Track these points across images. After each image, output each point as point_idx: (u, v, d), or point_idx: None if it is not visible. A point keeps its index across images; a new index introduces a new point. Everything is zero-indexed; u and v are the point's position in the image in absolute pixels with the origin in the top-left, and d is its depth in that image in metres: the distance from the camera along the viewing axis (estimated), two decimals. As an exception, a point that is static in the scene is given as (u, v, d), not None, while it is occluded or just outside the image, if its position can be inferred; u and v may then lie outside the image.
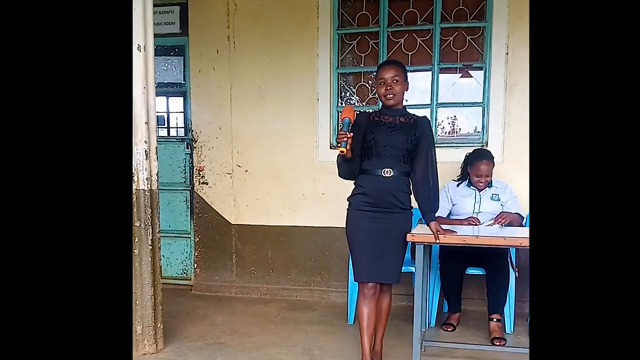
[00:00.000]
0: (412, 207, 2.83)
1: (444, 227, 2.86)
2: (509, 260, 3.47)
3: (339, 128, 2.64)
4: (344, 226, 2.86)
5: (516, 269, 3.48)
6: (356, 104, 4.44)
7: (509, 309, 3.51)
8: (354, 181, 2.84)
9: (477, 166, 3.55)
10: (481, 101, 4.08)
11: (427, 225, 2.79)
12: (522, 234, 2.95)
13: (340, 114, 2.75)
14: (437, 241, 2.76)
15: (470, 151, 3.70)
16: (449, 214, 3.63)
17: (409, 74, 4.05)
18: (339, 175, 2.84)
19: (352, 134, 2.60)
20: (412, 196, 2.83)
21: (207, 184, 4.58)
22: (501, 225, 3.33)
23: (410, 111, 2.89)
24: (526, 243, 2.80)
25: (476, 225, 3.37)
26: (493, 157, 3.60)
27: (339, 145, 2.60)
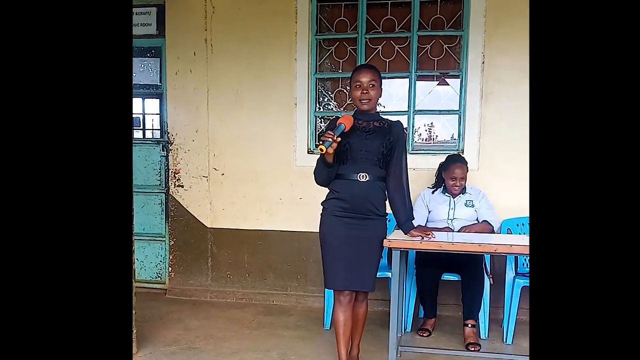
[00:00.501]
0: (387, 213, 2.84)
1: (438, 232, 2.90)
2: (483, 267, 3.52)
3: (332, 129, 2.62)
4: (319, 231, 2.86)
5: (490, 276, 3.53)
6: (334, 109, 4.46)
7: (483, 315, 3.55)
8: (328, 187, 2.84)
9: (451, 170, 3.60)
10: (457, 109, 4.13)
11: (407, 234, 2.81)
12: (496, 240, 2.99)
13: (338, 119, 2.74)
14: (429, 237, 2.80)
15: (444, 159, 3.76)
16: (427, 221, 3.66)
17: (386, 80, 4.11)
18: (316, 182, 2.83)
19: (339, 139, 2.59)
20: (386, 202, 2.84)
21: (182, 186, 4.54)
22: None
23: (384, 117, 2.90)
24: (500, 250, 2.85)
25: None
26: (466, 162, 3.66)
27: (321, 142, 2.59)
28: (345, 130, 2.66)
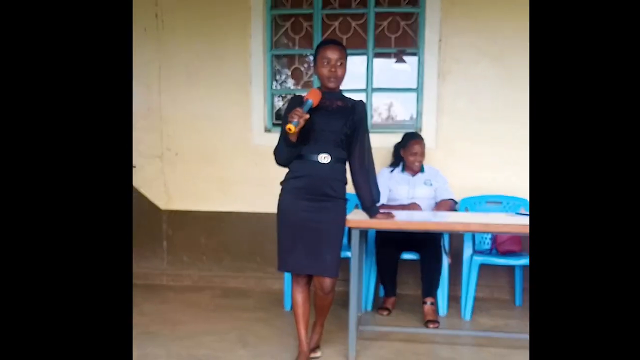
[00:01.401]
0: (346, 196, 2.75)
1: (397, 212, 2.88)
2: (442, 246, 3.55)
3: (300, 105, 2.52)
4: (277, 211, 2.79)
5: (449, 256, 3.57)
6: (291, 87, 4.38)
7: (442, 293, 3.60)
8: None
9: (411, 146, 3.61)
10: (415, 87, 4.13)
11: (372, 218, 2.77)
12: (454, 219, 3.01)
13: (300, 96, 2.64)
14: (386, 220, 2.76)
15: (400, 139, 3.77)
16: (387, 200, 3.66)
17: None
18: (277, 162, 2.72)
19: (308, 115, 2.49)
20: (346, 185, 2.76)
21: (134, 167, 4.39)
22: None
23: (347, 96, 2.81)
24: (458, 228, 2.87)
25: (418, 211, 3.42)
26: (423, 139, 3.68)
27: (290, 121, 2.46)
28: (314, 106, 2.56)
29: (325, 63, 2.64)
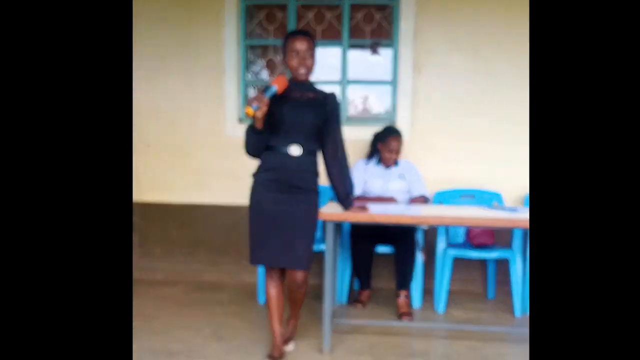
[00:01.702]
0: (318, 188, 2.73)
1: (372, 205, 2.88)
2: (416, 242, 3.57)
3: (263, 91, 2.47)
4: (250, 203, 2.76)
5: (423, 252, 3.58)
6: (265, 78, 4.34)
7: (416, 285, 3.62)
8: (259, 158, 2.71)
9: (388, 142, 3.61)
10: (390, 80, 4.12)
11: (347, 209, 2.77)
12: (428, 212, 3.02)
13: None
14: (360, 213, 2.76)
15: (379, 129, 3.75)
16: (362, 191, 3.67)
17: (318, 49, 4.02)
18: (246, 152, 2.69)
19: (268, 101, 2.44)
20: (318, 177, 2.74)
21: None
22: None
23: (318, 87, 2.79)
24: (432, 221, 2.88)
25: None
26: (400, 132, 3.68)
27: (249, 104, 2.41)
28: (278, 94, 2.52)
29: (295, 54, 2.62)
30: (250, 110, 2.41)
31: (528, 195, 3.86)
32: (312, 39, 2.67)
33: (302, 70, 2.63)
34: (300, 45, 2.61)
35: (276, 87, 2.51)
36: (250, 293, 3.89)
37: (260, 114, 2.45)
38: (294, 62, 2.62)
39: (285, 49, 2.66)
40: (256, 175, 2.71)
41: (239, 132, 3.98)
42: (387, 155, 3.62)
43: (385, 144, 3.63)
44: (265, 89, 2.51)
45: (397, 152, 3.63)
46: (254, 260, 2.74)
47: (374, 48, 4.20)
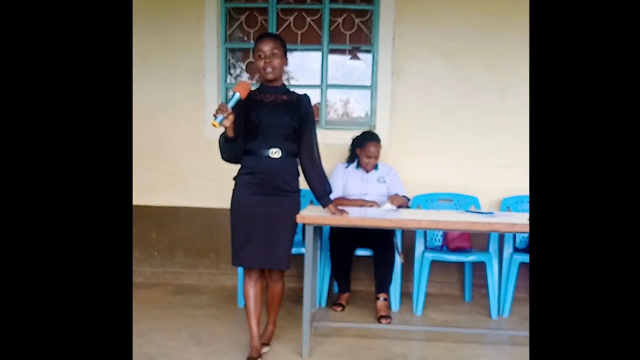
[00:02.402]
0: (299, 189, 2.79)
1: (342, 207, 2.90)
2: (395, 244, 3.60)
3: (227, 100, 2.51)
4: (231, 206, 2.78)
5: (401, 255, 3.61)
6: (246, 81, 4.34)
7: (394, 289, 3.65)
8: (240, 163, 2.74)
9: (367, 147, 3.64)
10: (369, 84, 4.16)
11: (325, 207, 2.81)
12: (406, 216, 3.06)
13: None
14: (339, 217, 2.79)
15: (358, 134, 3.78)
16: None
17: (298, 53, 4.05)
18: (222, 158, 2.73)
19: (232, 111, 2.48)
20: (300, 178, 2.80)
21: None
22: (395, 204, 3.44)
23: (291, 90, 2.82)
24: (410, 225, 2.91)
25: (374, 207, 3.46)
26: (378, 137, 3.71)
27: (214, 117, 2.45)
28: (243, 99, 2.55)
29: (260, 56, 2.66)
30: (215, 123, 2.45)
31: (503, 200, 3.93)
32: (278, 40, 2.71)
33: (268, 70, 2.65)
34: (265, 45, 2.65)
35: (239, 93, 2.54)
36: (229, 296, 3.89)
37: (228, 123, 2.50)
38: (260, 63, 2.66)
39: (253, 54, 2.72)
40: (238, 177, 2.75)
41: (219, 135, 3.98)
42: (365, 160, 3.65)
43: (363, 150, 3.66)
44: (229, 98, 2.55)
45: (376, 157, 3.66)
46: (237, 261, 2.77)
47: (353, 53, 4.23)
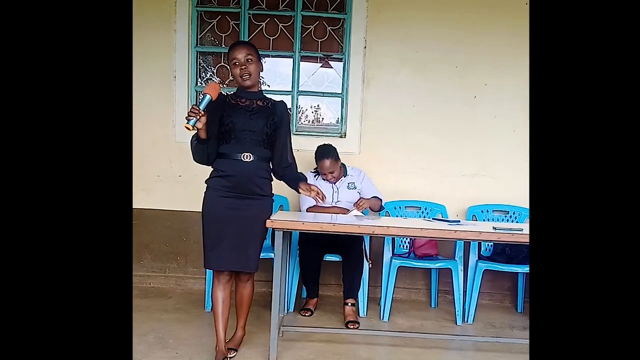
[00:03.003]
0: (272, 193, 2.82)
1: (318, 214, 2.93)
2: (363, 250, 3.64)
3: (196, 103, 2.52)
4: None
5: (370, 261, 3.65)
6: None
7: (362, 294, 3.69)
8: (211, 165, 2.76)
9: (320, 165, 3.66)
10: (340, 92, 4.20)
11: (299, 188, 2.84)
12: (375, 222, 3.10)
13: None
14: (319, 198, 2.84)
15: (320, 145, 3.77)
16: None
17: (270, 59, 4.06)
18: (194, 160, 2.75)
19: (205, 112, 2.51)
20: (273, 183, 2.82)
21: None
22: (361, 209, 3.47)
23: (267, 96, 2.86)
24: (378, 231, 2.95)
25: (345, 214, 3.49)
26: (333, 153, 3.65)
27: (187, 121, 2.48)
28: (213, 100, 2.56)
29: (236, 63, 2.69)
30: (188, 126, 2.49)
31: (468, 208, 4.02)
32: (251, 46, 2.75)
33: (245, 76, 2.69)
34: (239, 53, 2.68)
35: (209, 95, 2.56)
36: (196, 300, 3.87)
37: (200, 125, 2.52)
38: (236, 71, 2.69)
39: (228, 62, 2.76)
40: (210, 181, 2.76)
41: (189, 138, 3.95)
42: (322, 176, 3.68)
43: (318, 166, 3.67)
44: (200, 100, 2.56)
45: (331, 172, 3.64)
46: (209, 264, 2.78)
47: (325, 60, 4.26)
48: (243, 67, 2.66)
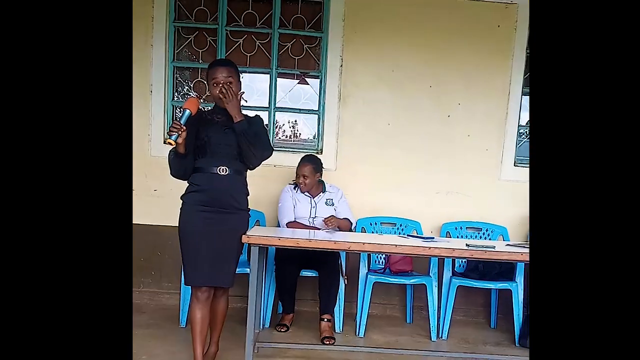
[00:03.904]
0: (249, 208, 2.82)
1: (297, 230, 2.92)
2: (339, 266, 3.64)
3: (175, 118, 2.53)
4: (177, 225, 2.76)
5: (345, 278, 3.66)
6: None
7: (338, 310, 3.71)
8: (187, 180, 2.75)
9: (300, 167, 3.73)
10: (317, 109, 4.24)
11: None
12: (351, 238, 3.12)
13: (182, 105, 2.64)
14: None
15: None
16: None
17: (247, 75, 4.08)
18: (172, 174, 2.73)
19: (185, 127, 2.51)
20: (249, 197, 2.83)
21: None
22: (331, 227, 3.50)
23: (243, 112, 2.82)
24: (354, 247, 2.97)
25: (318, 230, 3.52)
26: (315, 163, 3.75)
27: (169, 136, 2.50)
28: (193, 115, 2.58)
29: (215, 84, 2.68)
30: (170, 141, 2.51)
31: (442, 225, 4.07)
32: (232, 67, 2.74)
33: (225, 99, 2.65)
34: (219, 73, 2.68)
35: (189, 110, 2.57)
36: (170, 316, 3.82)
37: (180, 140, 2.53)
38: (215, 91, 2.69)
39: (207, 79, 2.75)
40: (185, 196, 2.74)
41: (164, 152, 3.93)
42: (299, 180, 3.73)
43: (298, 169, 3.74)
44: (180, 115, 2.57)
45: (305, 176, 3.70)
46: (190, 281, 2.74)
47: (301, 78, 4.30)
48: (223, 89, 2.65)
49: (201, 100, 4.25)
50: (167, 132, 2.54)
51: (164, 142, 4.12)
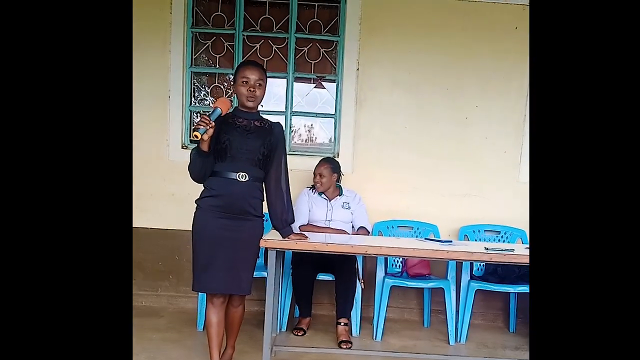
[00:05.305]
0: (264, 214, 2.80)
1: (312, 234, 2.94)
2: (356, 270, 3.64)
3: (202, 117, 2.51)
4: (193, 229, 2.77)
5: (362, 282, 3.66)
6: (210, 104, 4.37)
7: (355, 313, 3.69)
8: (203, 184, 2.73)
9: (318, 167, 3.75)
10: (333, 113, 4.25)
11: (286, 237, 2.83)
12: (368, 242, 3.12)
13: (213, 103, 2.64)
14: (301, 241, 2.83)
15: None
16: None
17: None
18: (192, 177, 2.70)
19: (214, 124, 2.51)
20: (263, 203, 2.81)
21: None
22: None
23: (264, 117, 2.86)
24: (371, 251, 2.97)
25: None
26: (334, 165, 3.78)
27: (196, 130, 2.47)
28: (222, 114, 2.57)
29: (244, 82, 2.67)
30: (198, 134, 2.48)
31: (460, 228, 4.05)
32: (264, 71, 2.75)
33: (251, 99, 2.68)
34: (251, 74, 2.67)
35: (220, 108, 2.57)
36: (188, 320, 3.84)
37: (207, 137, 2.51)
38: (243, 89, 2.68)
39: (235, 77, 2.73)
40: (200, 201, 2.73)
41: (183, 157, 3.99)
42: (315, 179, 3.75)
43: (315, 169, 3.77)
44: (210, 112, 2.57)
45: (324, 177, 3.72)
46: (198, 286, 2.74)
47: (318, 82, 4.32)
48: (251, 89, 2.66)
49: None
50: (194, 127, 2.52)
51: (182, 147, 4.18)
